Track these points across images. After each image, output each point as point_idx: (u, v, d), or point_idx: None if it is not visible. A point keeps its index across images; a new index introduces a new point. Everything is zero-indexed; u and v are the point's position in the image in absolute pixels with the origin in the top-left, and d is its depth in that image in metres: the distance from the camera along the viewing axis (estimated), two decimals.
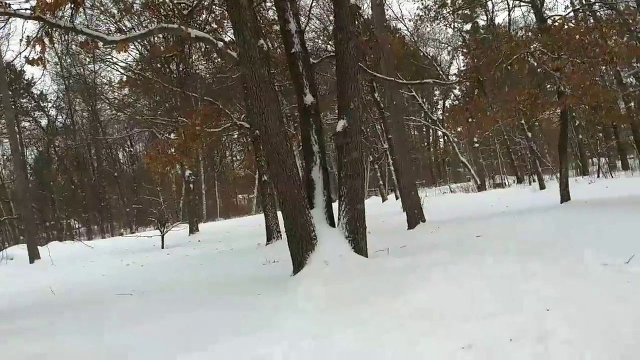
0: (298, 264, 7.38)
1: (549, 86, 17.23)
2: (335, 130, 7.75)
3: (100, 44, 9.08)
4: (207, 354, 4.22)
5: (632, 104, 30.06)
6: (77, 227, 42.18)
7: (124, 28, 10.52)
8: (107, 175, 41.87)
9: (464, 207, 18.71)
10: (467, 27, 31.34)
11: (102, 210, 40.57)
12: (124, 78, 21.47)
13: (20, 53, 24.11)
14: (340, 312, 5.01)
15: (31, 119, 39.05)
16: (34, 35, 7.56)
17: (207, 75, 15.75)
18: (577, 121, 32.07)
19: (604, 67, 17.60)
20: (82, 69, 36.55)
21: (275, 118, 7.49)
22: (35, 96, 38.94)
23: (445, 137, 36.48)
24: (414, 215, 13.40)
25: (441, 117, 39.02)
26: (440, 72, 31.57)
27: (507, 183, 36.40)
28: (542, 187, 25.17)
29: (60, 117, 40.98)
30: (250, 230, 24.88)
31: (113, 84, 23.22)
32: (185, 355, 4.24)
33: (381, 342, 3.93)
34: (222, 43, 8.24)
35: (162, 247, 21.62)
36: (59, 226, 38.84)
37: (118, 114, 27.51)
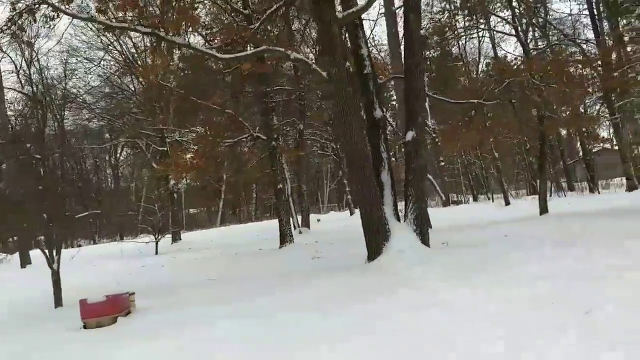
0: (375, 251, 8.63)
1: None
2: (405, 139, 9.18)
3: None
4: (365, 307, 5.48)
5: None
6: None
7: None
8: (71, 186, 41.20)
9: (448, 219, 20.46)
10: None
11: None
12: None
13: None
14: (456, 279, 6.35)
15: None
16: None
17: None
18: (528, 144, 35.22)
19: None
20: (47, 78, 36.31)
21: (360, 128, 8.85)
22: None
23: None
24: None
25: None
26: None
27: (463, 200, 39.04)
28: (507, 203, 27.52)
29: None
30: (233, 240, 25.67)
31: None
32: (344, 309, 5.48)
33: (511, 298, 5.28)
34: (314, 65, 9.50)
35: (156, 253, 22.05)
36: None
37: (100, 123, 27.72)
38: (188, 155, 16.76)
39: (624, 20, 25.83)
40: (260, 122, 17.65)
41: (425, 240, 8.94)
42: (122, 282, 11.62)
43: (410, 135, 9.09)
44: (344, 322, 4.93)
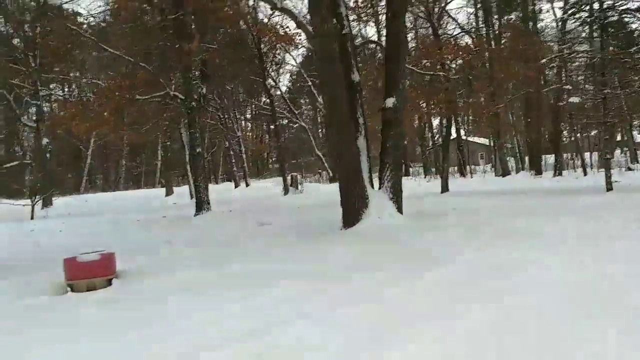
0: (353, 217, 8.47)
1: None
2: (384, 106, 9.03)
3: None
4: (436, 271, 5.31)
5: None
6: None
7: None
8: None
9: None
10: None
11: None
12: None
13: None
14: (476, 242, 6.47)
15: None
16: None
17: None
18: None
19: None
20: None
21: (343, 88, 8.52)
22: None
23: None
24: None
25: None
26: None
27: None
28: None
29: None
30: (116, 206, 23.64)
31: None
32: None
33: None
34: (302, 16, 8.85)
35: (32, 218, 19.40)
36: None
37: None
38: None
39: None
40: (178, 80, 16.28)
41: (400, 209, 8.97)
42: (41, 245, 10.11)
43: (390, 101, 8.99)
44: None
